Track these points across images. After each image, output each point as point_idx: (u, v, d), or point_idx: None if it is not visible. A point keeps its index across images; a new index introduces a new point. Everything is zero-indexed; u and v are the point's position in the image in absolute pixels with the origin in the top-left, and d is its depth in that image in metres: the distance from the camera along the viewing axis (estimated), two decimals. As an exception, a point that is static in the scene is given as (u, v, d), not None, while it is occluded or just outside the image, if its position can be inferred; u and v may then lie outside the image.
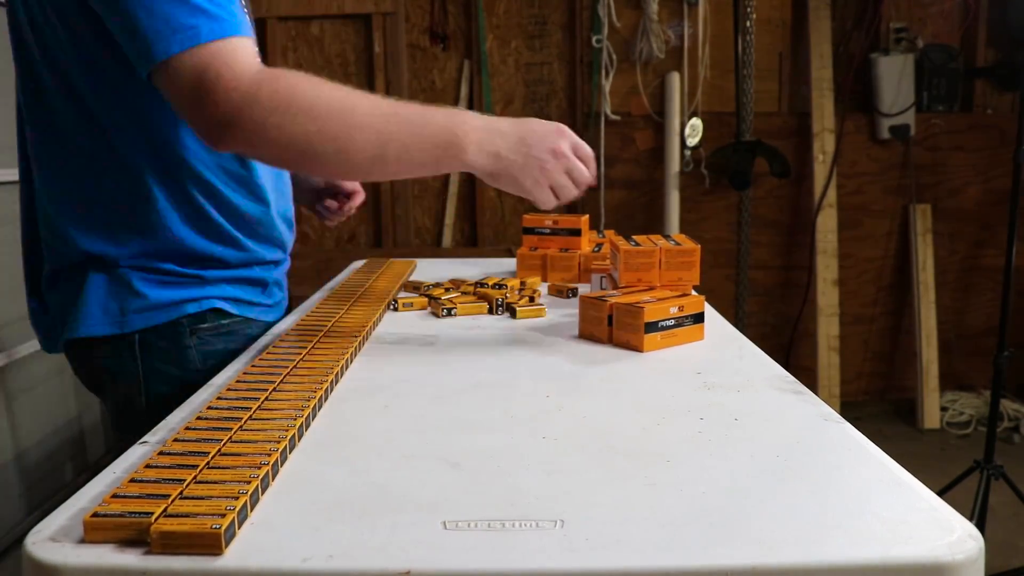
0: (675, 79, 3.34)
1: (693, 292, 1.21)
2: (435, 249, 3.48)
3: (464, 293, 1.34)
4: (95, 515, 0.56)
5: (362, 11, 3.34)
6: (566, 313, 1.27)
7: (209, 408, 0.78)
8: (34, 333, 1.19)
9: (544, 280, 1.50)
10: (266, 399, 0.80)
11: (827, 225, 3.38)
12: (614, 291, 1.16)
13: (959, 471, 2.36)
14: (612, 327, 1.07)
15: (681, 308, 1.07)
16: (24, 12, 0.99)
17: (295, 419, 0.75)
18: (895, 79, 3.32)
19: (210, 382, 0.94)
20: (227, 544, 0.55)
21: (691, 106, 3.37)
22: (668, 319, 1.06)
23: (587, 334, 1.11)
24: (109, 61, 0.95)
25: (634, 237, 1.32)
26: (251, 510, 0.60)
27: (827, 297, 3.40)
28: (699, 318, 1.10)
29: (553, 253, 1.51)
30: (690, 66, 3.36)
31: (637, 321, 1.03)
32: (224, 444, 0.69)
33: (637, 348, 1.04)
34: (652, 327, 1.04)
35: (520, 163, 0.95)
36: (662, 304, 1.06)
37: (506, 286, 1.35)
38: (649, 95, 3.38)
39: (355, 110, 0.93)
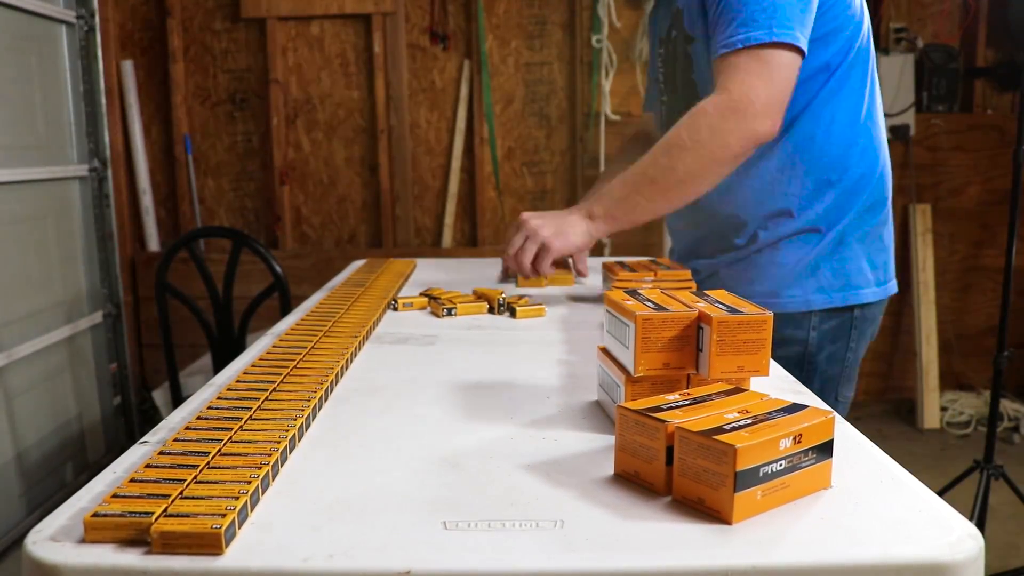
0: (675, 79, 3.34)
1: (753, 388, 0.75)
2: (435, 249, 3.48)
3: (464, 293, 1.34)
4: (95, 515, 0.56)
5: (362, 11, 3.34)
6: (566, 311, 1.27)
7: (209, 408, 0.78)
8: (34, 333, 1.20)
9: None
10: (266, 399, 0.80)
11: (827, 225, 3.38)
12: (677, 396, 0.69)
13: (959, 471, 2.36)
14: (673, 470, 0.62)
15: (799, 438, 0.62)
16: None
17: (295, 419, 0.75)
18: (895, 79, 3.33)
19: (211, 381, 0.94)
20: (227, 544, 0.55)
21: (691, 106, 3.37)
22: (777, 459, 0.60)
23: (630, 473, 0.65)
24: None
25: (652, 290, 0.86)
26: (251, 510, 0.60)
27: (827, 297, 3.40)
28: (826, 451, 0.64)
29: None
30: (690, 66, 3.35)
31: (723, 468, 0.58)
32: (224, 444, 0.69)
33: (720, 515, 0.59)
34: (749, 477, 0.59)
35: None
36: (762, 430, 0.60)
37: None
38: (649, 95, 3.38)
39: None
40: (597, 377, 0.86)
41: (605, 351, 0.83)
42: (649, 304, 0.78)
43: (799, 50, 1.18)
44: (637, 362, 0.74)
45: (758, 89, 1.17)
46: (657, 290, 0.85)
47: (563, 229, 1.31)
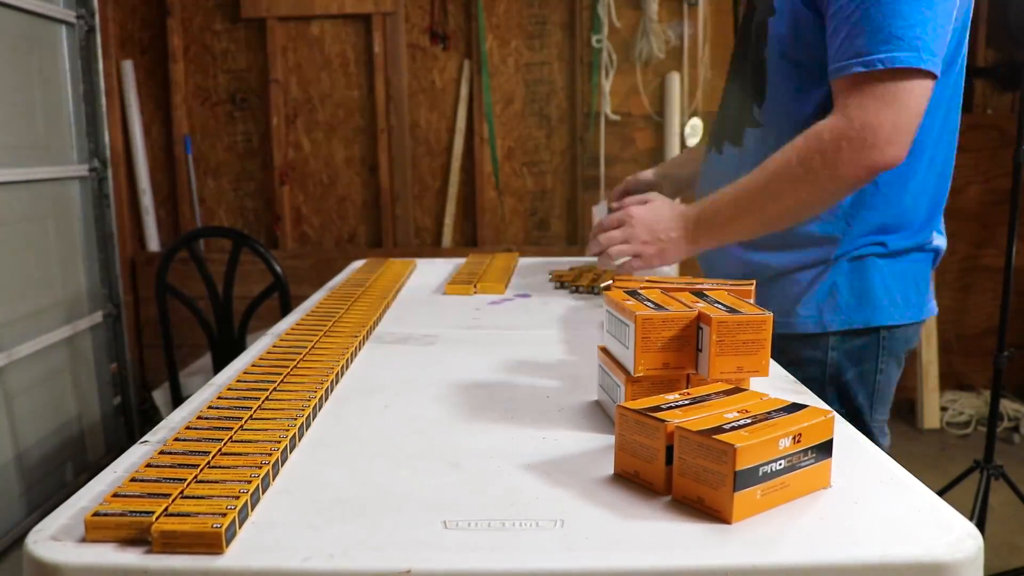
0: (675, 79, 3.34)
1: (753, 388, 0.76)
2: (435, 249, 3.48)
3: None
4: (96, 514, 0.56)
5: (362, 11, 3.34)
6: (566, 311, 1.27)
7: (210, 407, 0.78)
8: (34, 333, 1.19)
9: None
10: (267, 399, 0.80)
11: (827, 225, 3.38)
12: (676, 395, 0.69)
13: (959, 471, 2.36)
14: (673, 469, 0.62)
15: (798, 438, 0.62)
16: None
17: (296, 419, 0.75)
18: (895, 79, 3.32)
19: (211, 381, 0.95)
20: (228, 543, 0.55)
21: (691, 106, 3.37)
22: (777, 459, 0.61)
23: (630, 472, 0.66)
24: None
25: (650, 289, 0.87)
26: (252, 509, 0.60)
27: (827, 297, 3.40)
28: (825, 451, 0.64)
29: None
30: (690, 66, 3.36)
31: (723, 468, 0.58)
32: (225, 443, 0.69)
33: (719, 514, 0.59)
34: (749, 477, 0.59)
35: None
36: (762, 430, 0.61)
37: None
38: (649, 95, 3.38)
39: None
40: (597, 377, 0.86)
41: (605, 351, 0.83)
42: (649, 304, 0.78)
43: (934, 76, 1.06)
44: (637, 362, 0.74)
45: (885, 117, 1.04)
46: (657, 290, 0.85)
47: (666, 250, 1.22)
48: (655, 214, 1.24)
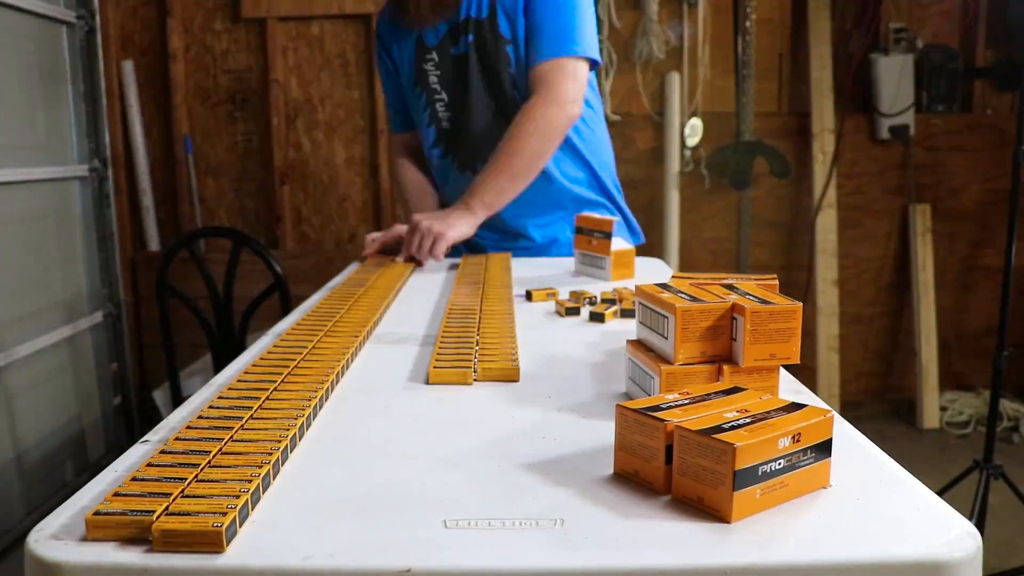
0: (675, 79, 3.34)
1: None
2: (435, 249, 3.48)
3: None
4: (97, 513, 0.56)
5: (362, 11, 3.34)
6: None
7: (210, 407, 0.78)
8: (34, 333, 1.19)
9: None
10: (267, 398, 0.81)
11: (827, 225, 3.38)
12: (676, 395, 0.69)
13: (958, 471, 2.36)
14: (673, 469, 0.62)
15: (797, 437, 0.62)
16: None
17: (296, 418, 0.75)
18: (895, 79, 3.33)
19: (211, 381, 0.95)
20: (228, 542, 0.55)
21: (691, 106, 3.37)
22: (776, 458, 0.61)
23: (630, 472, 0.66)
24: None
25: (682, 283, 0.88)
26: (252, 508, 0.60)
27: (827, 297, 3.40)
28: (824, 450, 0.64)
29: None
30: (690, 66, 3.36)
31: (722, 467, 0.58)
32: (225, 443, 0.69)
33: (719, 514, 0.59)
34: (748, 476, 0.59)
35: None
36: (761, 429, 0.61)
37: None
38: (649, 95, 3.38)
39: None
40: (626, 371, 0.88)
41: (636, 344, 0.86)
42: (684, 296, 0.81)
43: (592, 61, 1.67)
44: (677, 351, 0.78)
45: (570, 85, 1.61)
46: (686, 283, 0.88)
47: (451, 222, 1.60)
48: (432, 212, 1.68)
